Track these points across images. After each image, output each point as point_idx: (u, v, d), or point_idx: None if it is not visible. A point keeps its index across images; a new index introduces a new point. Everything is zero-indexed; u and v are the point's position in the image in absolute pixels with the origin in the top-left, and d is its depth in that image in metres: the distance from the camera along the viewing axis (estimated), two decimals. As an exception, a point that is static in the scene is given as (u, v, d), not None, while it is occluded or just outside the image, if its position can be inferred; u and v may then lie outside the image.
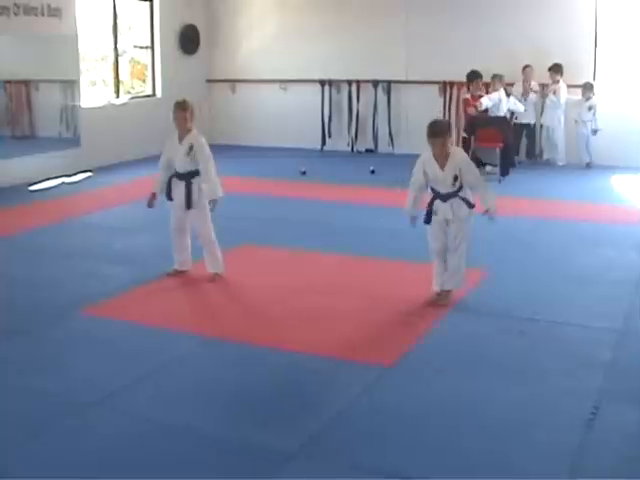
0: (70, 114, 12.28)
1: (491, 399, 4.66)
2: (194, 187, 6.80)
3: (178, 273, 7.01)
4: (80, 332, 5.79)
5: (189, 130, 6.83)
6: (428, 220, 6.14)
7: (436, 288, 6.28)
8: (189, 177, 6.80)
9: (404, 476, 3.87)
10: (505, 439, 4.21)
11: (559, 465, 3.96)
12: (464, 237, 6.15)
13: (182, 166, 6.82)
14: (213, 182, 6.77)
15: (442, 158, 5.99)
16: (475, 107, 11.85)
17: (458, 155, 6.08)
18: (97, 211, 9.60)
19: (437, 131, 5.99)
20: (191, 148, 6.77)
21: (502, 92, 11.96)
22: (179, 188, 6.85)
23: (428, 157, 6.07)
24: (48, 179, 11.33)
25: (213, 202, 6.79)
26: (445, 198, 6.06)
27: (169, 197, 6.94)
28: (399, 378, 4.97)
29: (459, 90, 12.81)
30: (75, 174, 11.76)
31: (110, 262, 7.50)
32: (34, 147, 11.74)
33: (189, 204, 6.82)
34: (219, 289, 6.87)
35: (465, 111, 12.29)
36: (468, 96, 12.18)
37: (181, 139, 6.83)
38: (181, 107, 6.82)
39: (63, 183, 11.31)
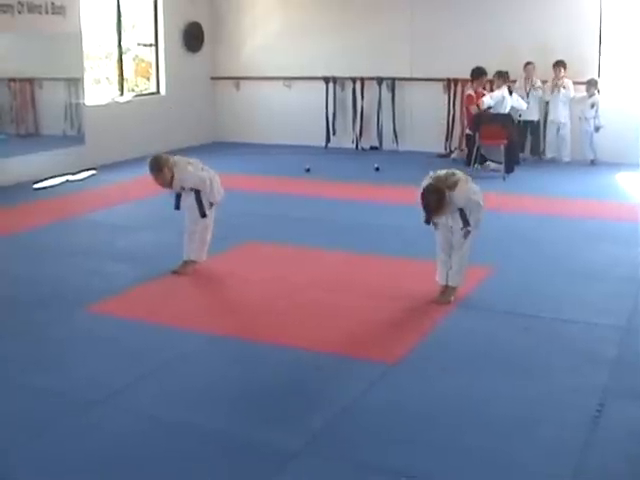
0: (74, 112, 12.28)
1: (495, 396, 4.65)
2: (203, 196, 6.90)
3: (186, 264, 7.01)
4: (83, 330, 5.78)
5: (172, 178, 6.80)
6: (428, 221, 6.12)
7: (440, 281, 6.25)
8: (198, 190, 6.90)
9: (408, 474, 3.85)
10: (510, 437, 4.19)
11: (564, 463, 3.94)
12: (468, 238, 6.14)
13: (185, 192, 6.93)
14: (208, 195, 6.90)
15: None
16: (478, 105, 11.79)
17: (458, 197, 5.90)
18: (101, 209, 9.59)
19: (429, 211, 5.83)
20: (183, 188, 6.86)
21: (505, 89, 11.91)
22: (189, 198, 6.92)
23: None
24: (52, 177, 11.32)
25: (210, 203, 6.96)
26: None
27: (177, 207, 6.99)
28: (403, 375, 4.95)
29: (463, 87, 12.77)
30: (79, 172, 11.76)
31: (114, 260, 7.49)
32: (38, 145, 11.74)
33: (203, 212, 6.88)
34: (223, 286, 6.87)
35: (467, 107, 12.26)
36: (471, 92, 12.15)
37: (170, 187, 6.88)
38: (156, 169, 6.73)
39: (67, 181, 11.31)
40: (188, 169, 6.87)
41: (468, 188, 6.04)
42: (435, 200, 5.77)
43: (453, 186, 5.87)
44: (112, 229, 8.65)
